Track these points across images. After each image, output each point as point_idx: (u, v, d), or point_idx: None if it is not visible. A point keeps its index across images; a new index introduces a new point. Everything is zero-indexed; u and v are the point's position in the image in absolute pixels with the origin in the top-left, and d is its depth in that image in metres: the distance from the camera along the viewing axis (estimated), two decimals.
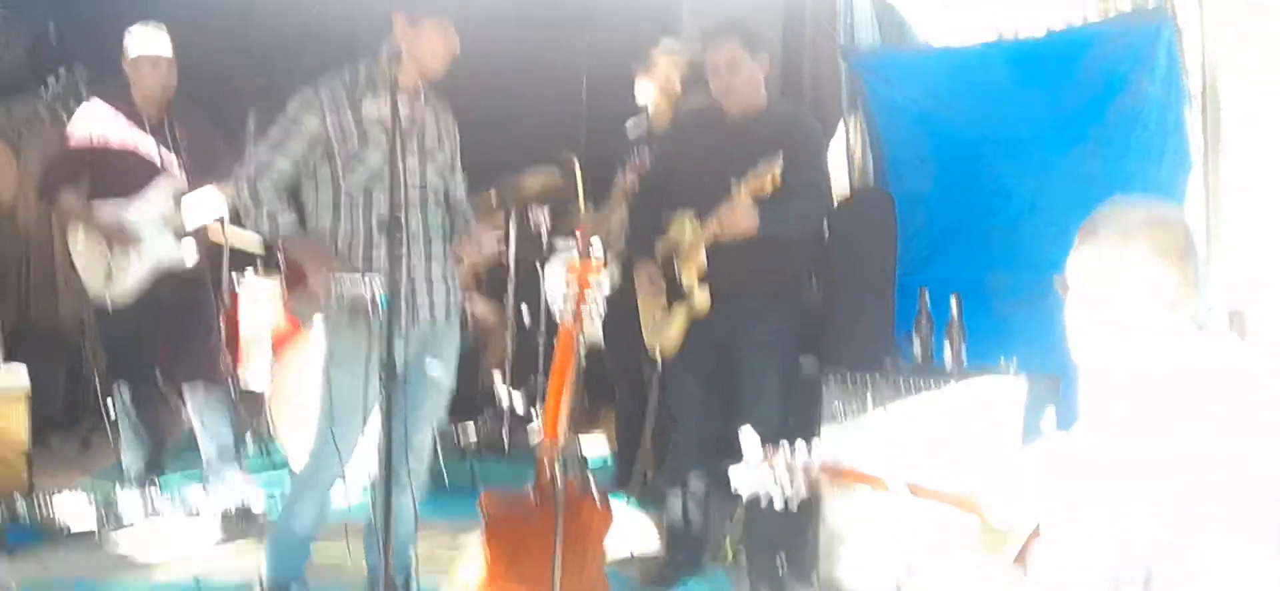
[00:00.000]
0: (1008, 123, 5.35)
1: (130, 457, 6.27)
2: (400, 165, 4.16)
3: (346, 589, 4.65)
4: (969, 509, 2.88)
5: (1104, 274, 2.54)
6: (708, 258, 4.73)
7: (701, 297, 4.76)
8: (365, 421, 4.21)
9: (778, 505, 3.04)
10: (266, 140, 4.36)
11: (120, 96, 6.08)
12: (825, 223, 5.23)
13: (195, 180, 5.97)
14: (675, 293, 4.85)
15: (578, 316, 4.10)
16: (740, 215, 4.57)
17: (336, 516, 4.47)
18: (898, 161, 5.82)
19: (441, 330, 4.52)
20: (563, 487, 4.16)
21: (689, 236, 4.77)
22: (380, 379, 3.85)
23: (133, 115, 6.02)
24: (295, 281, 6.35)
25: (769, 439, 3.10)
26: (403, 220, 4.16)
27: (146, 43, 5.96)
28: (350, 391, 4.17)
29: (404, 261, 4.19)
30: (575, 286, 4.10)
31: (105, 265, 5.95)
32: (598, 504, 4.31)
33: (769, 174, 4.48)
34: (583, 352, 4.22)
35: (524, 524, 4.22)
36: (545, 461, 4.20)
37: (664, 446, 5.83)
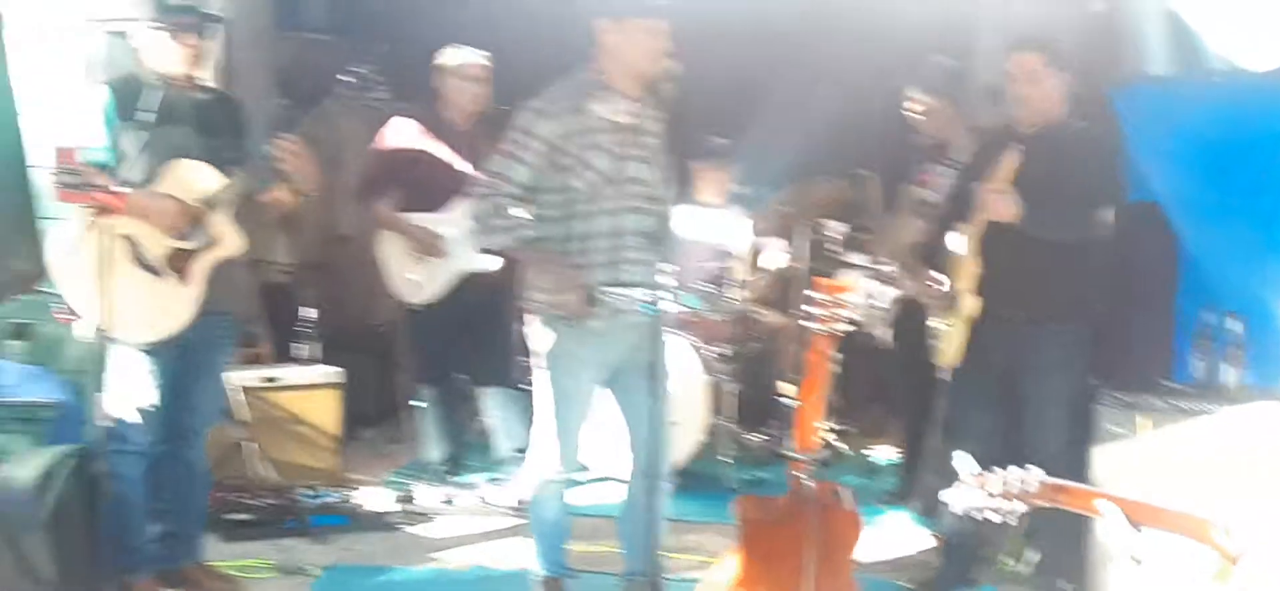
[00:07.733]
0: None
1: (433, 452, 6.64)
2: (638, 171, 4.39)
3: (608, 579, 4.92)
4: (1200, 535, 2.78)
5: None
6: (990, 277, 4.68)
7: (970, 304, 4.72)
8: (585, 418, 4.52)
9: (995, 520, 3.01)
10: (499, 153, 4.39)
11: (428, 108, 6.36)
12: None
13: None
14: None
15: (829, 329, 4.17)
16: (1000, 201, 4.53)
17: (601, 512, 4.67)
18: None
19: (645, 329, 4.38)
20: (815, 495, 4.24)
21: (966, 247, 4.74)
22: (647, 384, 4.16)
23: (441, 127, 6.29)
24: None
25: (1050, 471, 3.01)
26: (622, 225, 4.39)
27: (461, 54, 6.26)
28: (575, 390, 4.47)
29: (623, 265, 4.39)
30: (826, 299, 4.17)
31: (412, 271, 6.31)
32: (849, 512, 4.34)
33: (1008, 166, 4.50)
34: (835, 363, 4.25)
35: (776, 529, 4.31)
36: (798, 469, 4.27)
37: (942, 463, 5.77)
